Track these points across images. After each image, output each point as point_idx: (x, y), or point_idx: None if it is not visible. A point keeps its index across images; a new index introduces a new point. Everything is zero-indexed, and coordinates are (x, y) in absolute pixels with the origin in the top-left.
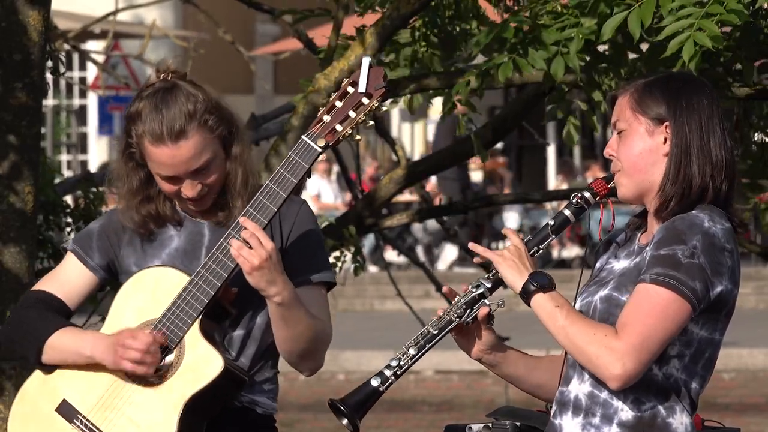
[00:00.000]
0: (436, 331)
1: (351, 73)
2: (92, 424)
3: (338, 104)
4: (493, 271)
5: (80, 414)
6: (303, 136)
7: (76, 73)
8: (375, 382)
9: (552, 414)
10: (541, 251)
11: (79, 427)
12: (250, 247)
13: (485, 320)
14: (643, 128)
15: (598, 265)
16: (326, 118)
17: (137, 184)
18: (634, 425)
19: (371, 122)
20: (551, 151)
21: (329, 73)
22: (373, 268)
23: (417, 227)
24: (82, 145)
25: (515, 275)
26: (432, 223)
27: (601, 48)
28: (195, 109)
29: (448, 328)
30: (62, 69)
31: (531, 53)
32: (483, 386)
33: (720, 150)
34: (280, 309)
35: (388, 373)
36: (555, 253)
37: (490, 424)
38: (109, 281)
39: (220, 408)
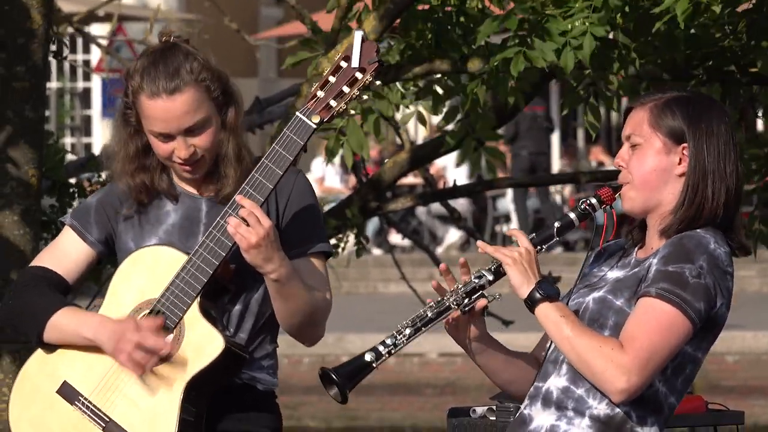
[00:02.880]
0: (433, 315)
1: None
2: (94, 405)
3: (332, 80)
4: (497, 264)
5: (81, 395)
6: (297, 113)
7: (80, 56)
8: (368, 357)
9: (522, 405)
10: (543, 251)
11: (80, 408)
12: (248, 225)
13: (480, 311)
14: (660, 145)
15: (587, 270)
16: (320, 93)
17: (133, 151)
18: (605, 421)
19: (365, 97)
20: (555, 135)
21: (332, 56)
22: (376, 251)
23: (420, 210)
24: (86, 128)
25: (522, 281)
26: (436, 206)
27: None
28: (192, 67)
29: (445, 314)
30: (66, 52)
31: (539, 45)
32: None
33: (733, 176)
34: (277, 285)
35: (381, 349)
36: None
37: (494, 407)
38: (107, 255)
39: (221, 386)
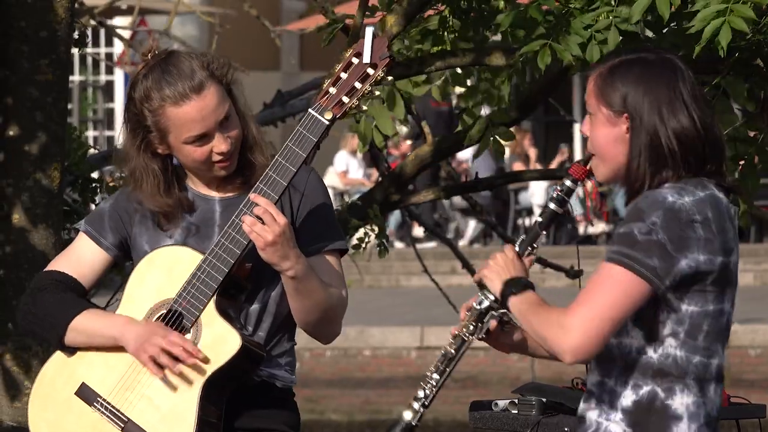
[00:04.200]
0: (453, 352)
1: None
2: (112, 406)
3: (343, 76)
4: None
5: (100, 396)
6: (309, 109)
7: (102, 49)
8: (407, 417)
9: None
10: (536, 249)
11: (98, 409)
12: (263, 223)
13: (499, 328)
14: (605, 117)
15: None
16: (332, 90)
17: (160, 173)
18: (633, 411)
19: (377, 93)
20: (577, 127)
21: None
22: (399, 244)
23: (443, 203)
24: (108, 121)
25: (497, 285)
26: (457, 199)
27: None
28: (201, 62)
29: (464, 347)
30: (88, 44)
31: (564, 39)
32: (509, 362)
33: (686, 125)
34: (293, 282)
35: (416, 405)
36: (581, 230)
37: (516, 400)
38: (123, 260)
39: (239, 384)
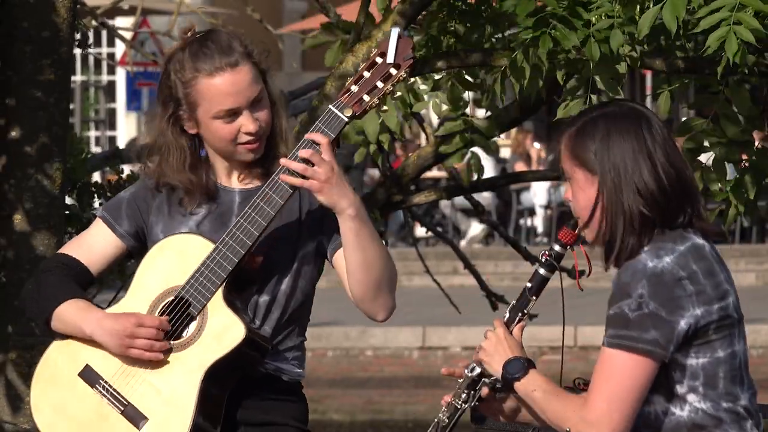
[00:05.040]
0: (447, 419)
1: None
2: (114, 389)
3: (366, 74)
4: None
5: (102, 379)
6: (330, 106)
7: (104, 50)
8: None
9: None
10: (526, 315)
11: (100, 392)
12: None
13: (492, 395)
14: (582, 179)
15: None
16: (354, 88)
17: (187, 149)
18: None
19: (398, 93)
20: None
21: (357, 50)
22: (400, 245)
23: (444, 203)
24: (110, 121)
25: (497, 368)
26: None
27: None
28: (240, 41)
29: (457, 415)
30: (90, 45)
31: (563, 31)
32: None
33: (649, 182)
34: (354, 223)
35: None
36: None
37: None
38: (137, 249)
39: (242, 375)
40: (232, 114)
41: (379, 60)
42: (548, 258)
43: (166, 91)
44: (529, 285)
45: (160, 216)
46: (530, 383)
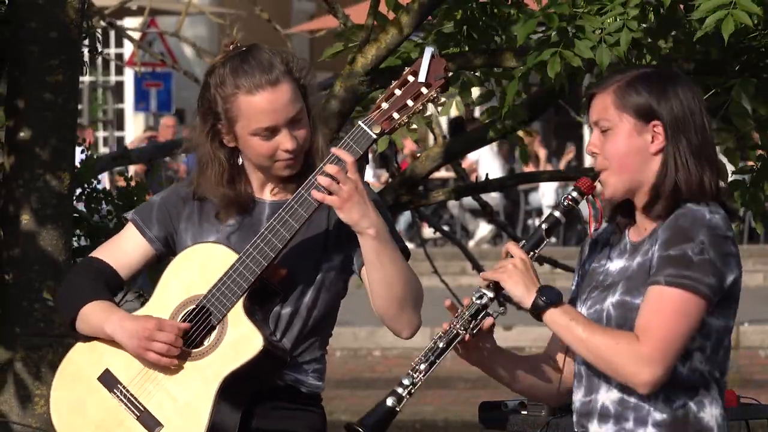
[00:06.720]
0: (444, 345)
1: (389, 52)
2: (131, 394)
3: (397, 92)
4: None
5: (121, 383)
6: (359, 122)
7: (112, 50)
8: (390, 402)
9: (576, 424)
10: (536, 255)
11: (118, 396)
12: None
13: (489, 329)
14: (630, 126)
15: (587, 267)
16: (384, 105)
17: (225, 164)
18: (669, 424)
19: (428, 111)
20: (587, 128)
21: (366, 52)
22: (409, 245)
23: (452, 203)
24: (118, 121)
25: (523, 291)
26: (467, 199)
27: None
28: (282, 58)
29: (456, 341)
30: (99, 46)
31: (576, 43)
32: None
33: (709, 144)
34: (375, 243)
35: (401, 391)
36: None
37: (525, 401)
38: (166, 255)
39: (259, 387)
40: (271, 131)
41: (411, 78)
42: (570, 203)
43: (205, 104)
44: (544, 225)
45: (190, 224)
46: (568, 312)
